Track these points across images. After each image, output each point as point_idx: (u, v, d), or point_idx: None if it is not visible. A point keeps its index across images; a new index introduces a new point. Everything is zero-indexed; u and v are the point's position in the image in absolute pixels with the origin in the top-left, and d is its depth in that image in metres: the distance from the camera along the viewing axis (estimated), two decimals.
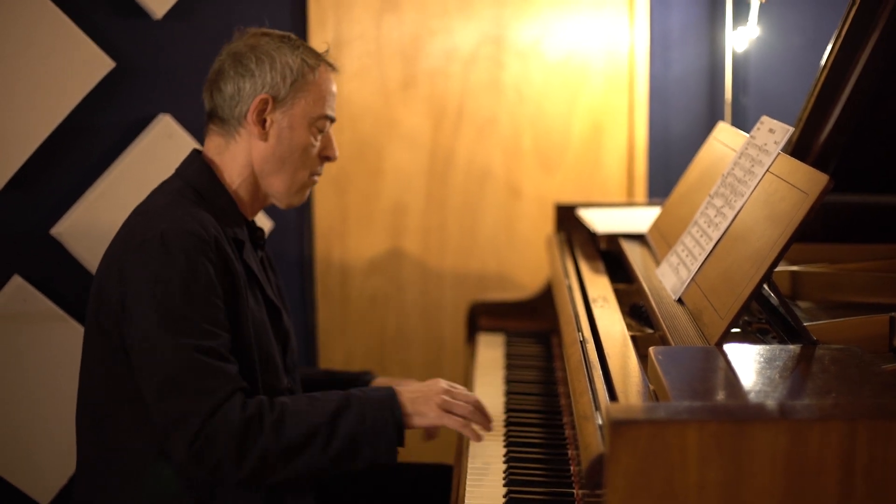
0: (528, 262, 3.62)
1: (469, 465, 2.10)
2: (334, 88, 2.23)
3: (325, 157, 2.25)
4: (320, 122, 2.20)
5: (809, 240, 2.36)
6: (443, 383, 2.13)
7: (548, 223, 3.44)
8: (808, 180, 1.72)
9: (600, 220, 2.82)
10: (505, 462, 2.12)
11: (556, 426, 2.30)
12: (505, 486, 2.02)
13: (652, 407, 1.35)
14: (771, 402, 1.36)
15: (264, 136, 2.17)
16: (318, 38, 3.42)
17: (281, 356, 2.20)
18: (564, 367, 2.40)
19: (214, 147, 2.21)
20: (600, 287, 2.43)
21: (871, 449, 1.28)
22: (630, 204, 3.42)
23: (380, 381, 2.51)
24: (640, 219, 2.75)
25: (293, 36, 2.23)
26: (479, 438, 2.12)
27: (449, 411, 2.07)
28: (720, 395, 1.47)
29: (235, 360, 2.01)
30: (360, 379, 2.51)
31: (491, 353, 2.84)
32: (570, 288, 2.46)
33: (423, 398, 2.07)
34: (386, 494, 2.42)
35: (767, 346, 1.68)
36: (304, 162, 2.21)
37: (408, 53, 3.52)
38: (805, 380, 1.52)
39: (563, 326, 2.29)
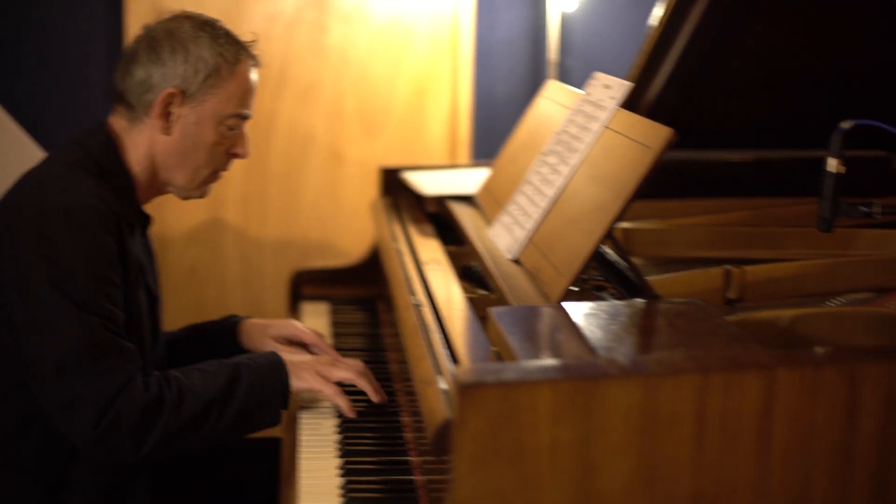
0: (352, 228, 3.55)
1: (303, 438, 2.02)
2: (254, 84, 2.08)
3: (234, 154, 2.10)
4: (231, 120, 2.05)
5: (638, 196, 2.36)
6: (331, 356, 2.14)
7: (372, 188, 3.37)
8: (650, 134, 1.70)
9: (427, 183, 2.77)
10: (339, 433, 2.04)
11: (387, 393, 2.24)
12: (340, 457, 1.95)
13: (501, 368, 1.29)
14: (623, 358, 1.33)
15: (168, 130, 2.02)
16: (136, 6, 3.27)
17: (151, 345, 2.09)
18: (393, 333, 2.34)
19: (119, 126, 2.05)
20: (431, 250, 2.37)
21: (724, 400, 1.25)
22: (455, 166, 3.38)
23: (251, 324, 2.39)
24: (468, 180, 2.69)
25: (218, 23, 2.06)
26: (353, 412, 2.06)
27: (326, 378, 2.03)
28: (569, 354, 1.43)
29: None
30: (226, 324, 2.41)
31: (316, 322, 2.75)
32: (399, 252, 2.39)
33: (304, 364, 2.04)
34: (216, 472, 2.32)
35: (611, 302, 1.65)
36: (209, 159, 2.07)
37: (230, 17, 3.35)
38: (653, 334, 1.50)
39: (394, 291, 2.22)
